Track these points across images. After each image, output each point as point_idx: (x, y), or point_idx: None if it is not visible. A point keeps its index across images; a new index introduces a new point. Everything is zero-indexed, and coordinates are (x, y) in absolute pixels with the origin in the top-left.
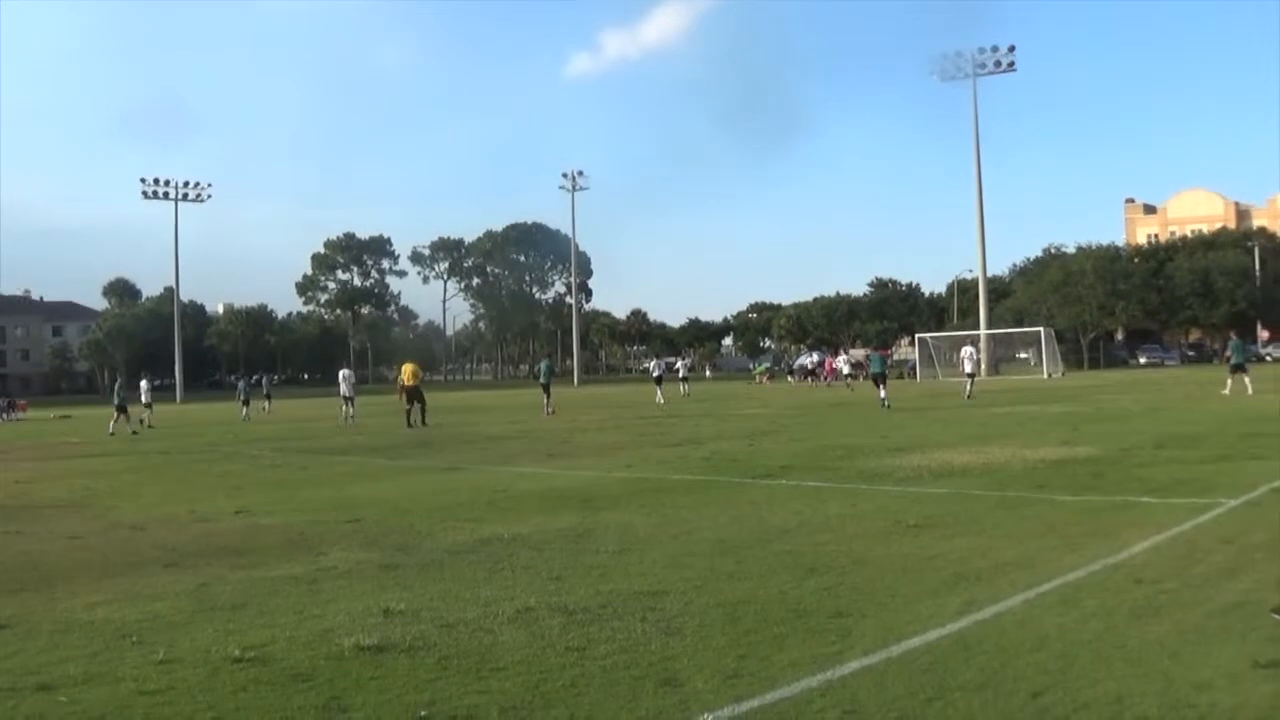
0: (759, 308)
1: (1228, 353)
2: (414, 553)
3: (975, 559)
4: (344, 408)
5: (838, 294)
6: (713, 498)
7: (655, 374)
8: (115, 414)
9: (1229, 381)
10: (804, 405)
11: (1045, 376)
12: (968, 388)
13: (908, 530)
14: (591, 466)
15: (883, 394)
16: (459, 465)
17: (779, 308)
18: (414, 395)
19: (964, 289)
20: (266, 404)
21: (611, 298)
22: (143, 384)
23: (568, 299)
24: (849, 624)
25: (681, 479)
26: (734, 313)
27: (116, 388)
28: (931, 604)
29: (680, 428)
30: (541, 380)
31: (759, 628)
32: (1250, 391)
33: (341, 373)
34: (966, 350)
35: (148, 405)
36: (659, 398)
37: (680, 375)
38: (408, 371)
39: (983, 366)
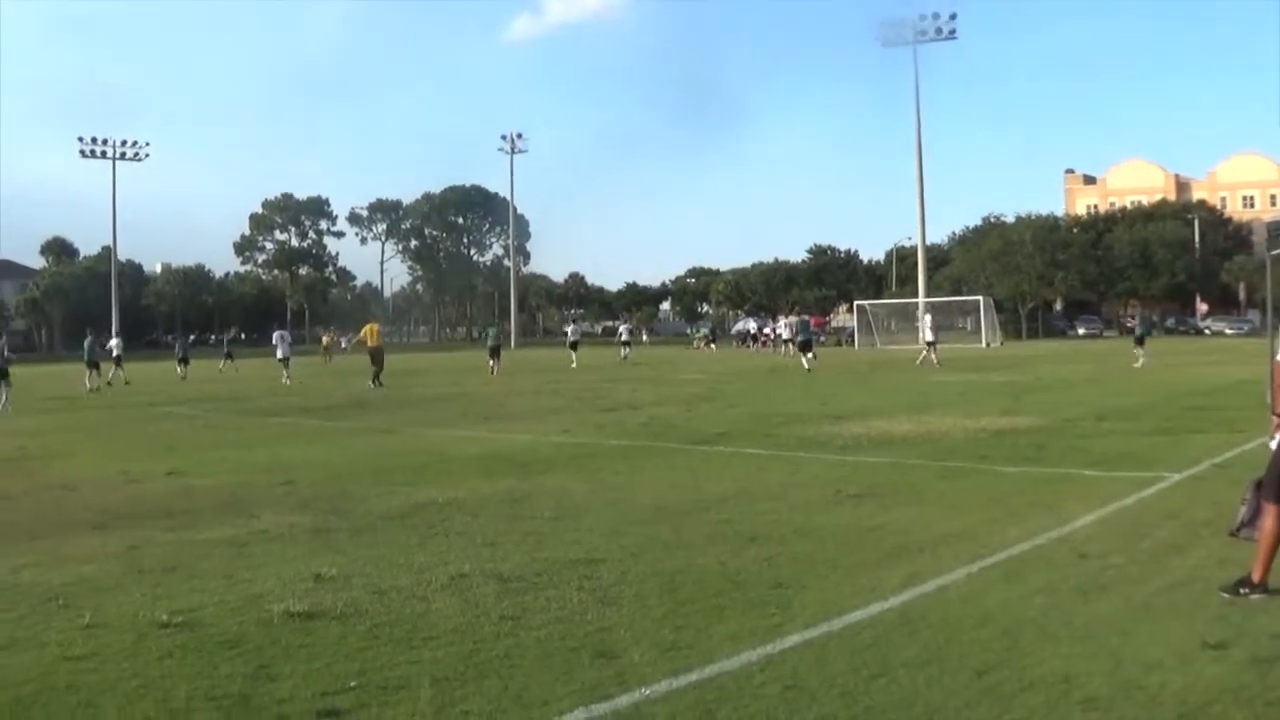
0: (697, 273)
1: (1134, 325)
2: (347, 517)
3: (917, 530)
4: (284, 369)
5: (776, 260)
6: (650, 464)
7: (572, 339)
8: (88, 370)
9: (1138, 354)
10: (742, 371)
11: (984, 345)
12: (931, 356)
13: (849, 500)
14: (528, 430)
15: (806, 362)
16: (395, 428)
17: (717, 273)
18: (375, 355)
19: (903, 256)
20: (225, 363)
21: (550, 261)
22: (113, 342)
23: (505, 262)
24: (789, 595)
25: (619, 444)
26: (672, 277)
27: (88, 345)
28: (873, 576)
29: (617, 392)
30: (490, 344)
31: (697, 598)
32: (1138, 364)
33: (277, 333)
34: (928, 318)
35: (117, 360)
36: (574, 363)
37: (621, 339)
38: (370, 331)
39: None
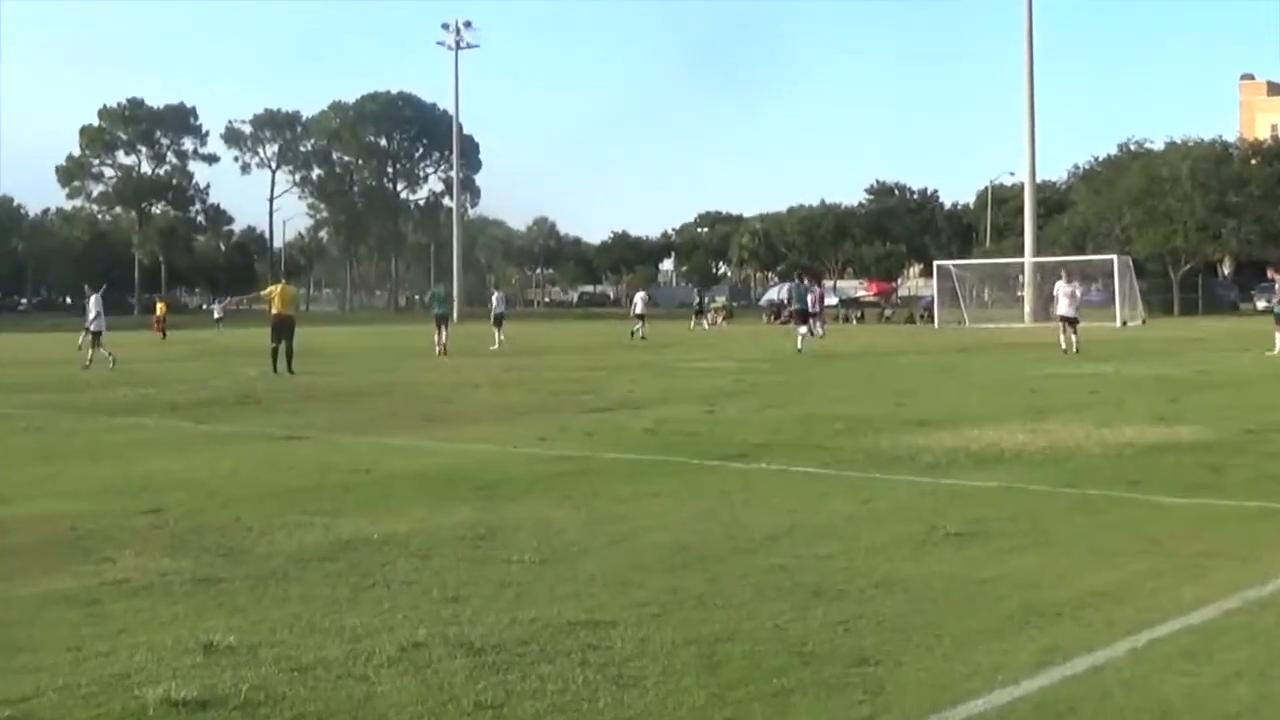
0: (712, 220)
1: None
2: (244, 560)
3: (1050, 585)
4: (86, 342)
5: (823, 204)
6: (665, 486)
7: (497, 309)
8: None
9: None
10: (779, 356)
11: (1119, 324)
12: (1071, 339)
13: (947, 540)
14: (489, 438)
15: (800, 340)
16: (301, 433)
17: (739, 220)
18: (285, 329)
19: (1001, 199)
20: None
21: (508, 202)
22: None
23: (446, 200)
24: (880, 676)
25: (618, 459)
26: (676, 226)
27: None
28: (995, 649)
29: (610, 385)
30: (435, 311)
31: (749, 678)
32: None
33: (91, 296)
34: (1063, 286)
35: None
36: (495, 343)
37: (636, 311)
38: (281, 296)
39: (1071, 308)
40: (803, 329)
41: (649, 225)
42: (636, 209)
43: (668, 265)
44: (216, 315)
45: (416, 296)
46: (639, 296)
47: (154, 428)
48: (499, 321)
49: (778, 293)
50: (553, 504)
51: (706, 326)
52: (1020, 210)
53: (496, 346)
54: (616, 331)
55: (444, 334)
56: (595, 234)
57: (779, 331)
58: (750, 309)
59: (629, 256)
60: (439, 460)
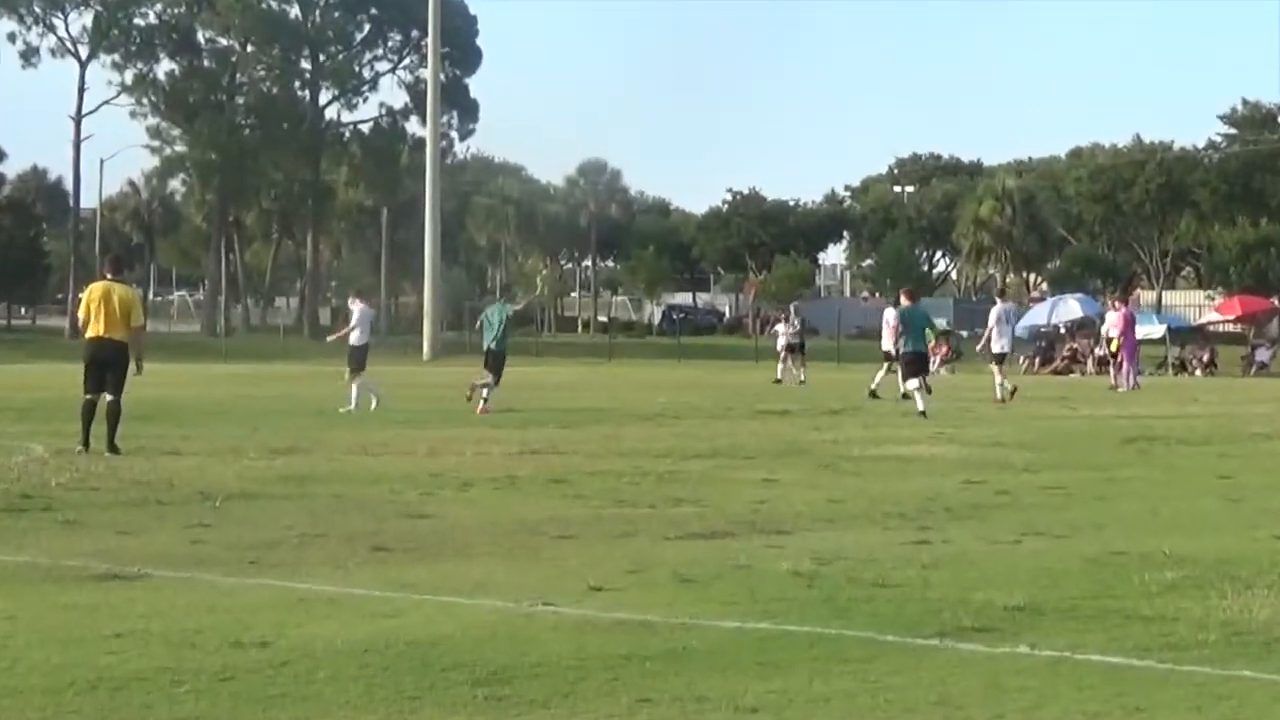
0: (920, 170)
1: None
2: None
3: None
4: None
5: (1138, 142)
6: (837, 686)
7: (493, 343)
8: None
9: None
10: (1055, 437)
11: None
12: None
13: None
14: (496, 585)
15: (916, 399)
16: (135, 568)
17: (976, 172)
18: (107, 367)
19: None
20: None
21: (533, 141)
22: None
23: (415, 125)
24: None
25: (742, 631)
26: (851, 182)
27: None
28: None
29: (728, 486)
30: (489, 344)
31: None
32: None
33: None
34: None
35: None
36: (478, 389)
37: (786, 343)
38: (99, 305)
39: None
40: (912, 389)
41: (795, 180)
42: (772, 153)
43: (835, 255)
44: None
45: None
46: (791, 310)
47: None
48: (495, 363)
49: (1050, 312)
50: (617, 718)
51: (912, 387)
52: None
53: (484, 403)
54: (738, 382)
55: (490, 387)
56: (693, 197)
57: (1052, 385)
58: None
59: (761, 237)
60: (402, 626)
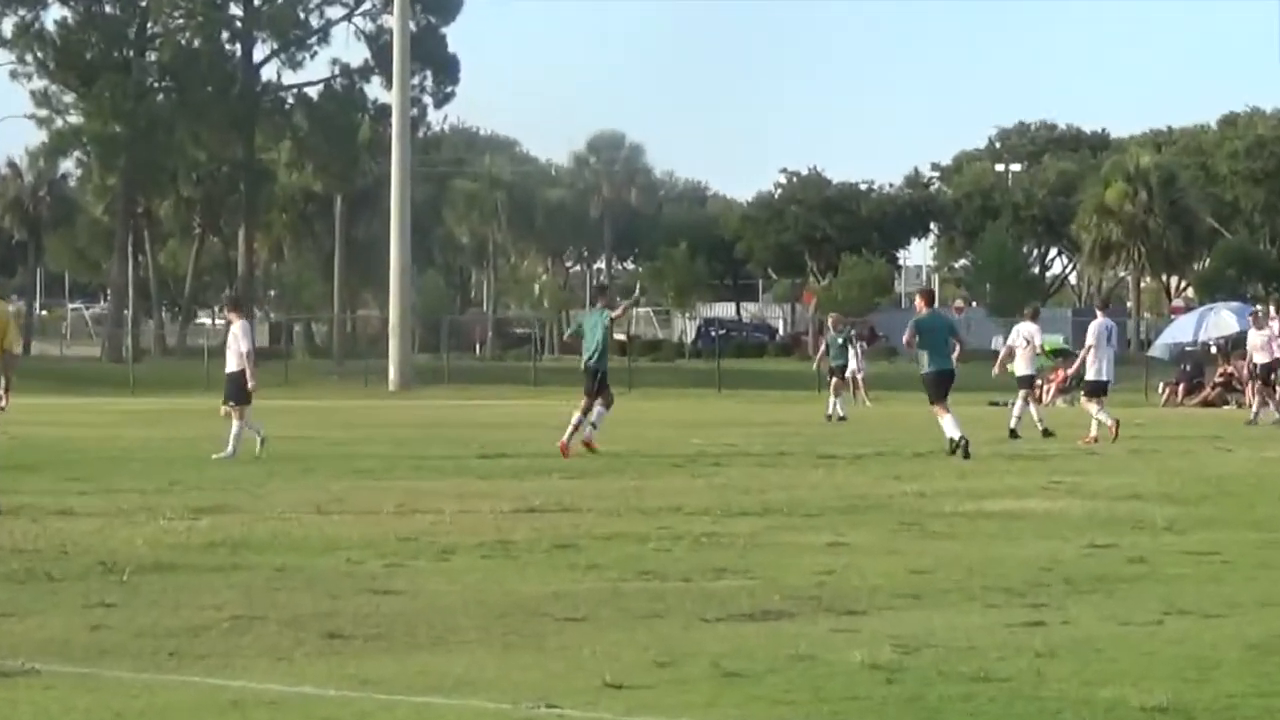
0: (1028, 142)
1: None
2: None
3: None
4: None
5: None
6: None
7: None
8: None
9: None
10: (1208, 487)
11: None
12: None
13: None
14: (480, 679)
15: (944, 425)
16: (12, 662)
17: (1104, 147)
18: None
19: None
20: None
21: (519, 100)
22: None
23: (374, 90)
24: None
25: None
26: (930, 163)
27: None
28: None
29: (782, 552)
30: (592, 364)
31: None
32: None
33: None
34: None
35: None
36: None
37: (846, 365)
38: None
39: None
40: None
41: (868, 159)
42: (838, 125)
43: (919, 253)
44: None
45: (302, 328)
46: (853, 350)
47: None
48: (597, 384)
49: (1199, 326)
50: None
51: (1023, 418)
52: None
53: (591, 429)
54: (795, 419)
55: (594, 409)
56: (737, 181)
57: (1202, 420)
58: (1126, 366)
59: (825, 230)
60: None
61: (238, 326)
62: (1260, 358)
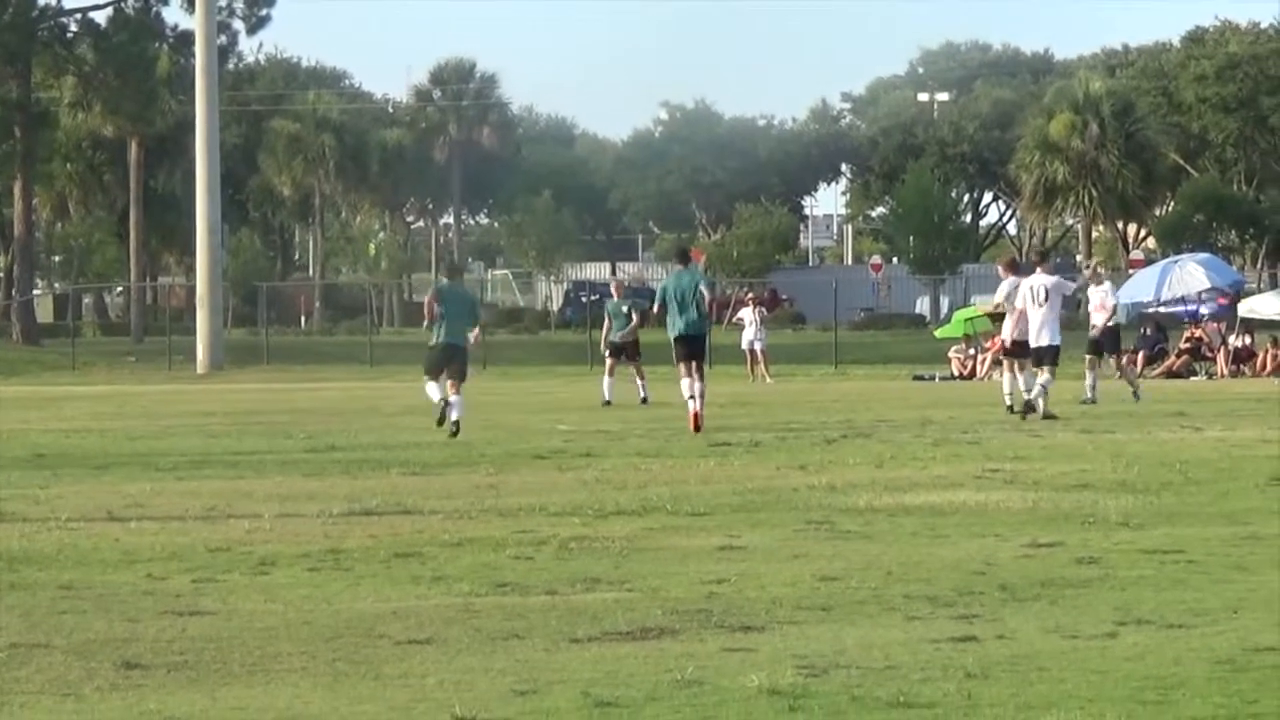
0: (956, 66)
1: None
2: None
3: None
4: None
5: None
6: None
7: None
8: None
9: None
10: (1165, 464)
11: None
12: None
13: None
14: (304, 715)
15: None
16: None
17: (1041, 69)
18: None
19: None
20: None
21: (348, 26)
22: None
23: (174, 14)
24: None
25: None
26: (841, 92)
27: None
28: None
29: (660, 556)
30: (693, 332)
31: None
32: None
33: None
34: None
35: None
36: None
37: (752, 335)
38: None
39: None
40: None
41: (766, 89)
42: (730, 50)
43: (829, 200)
44: None
45: (92, 299)
46: (750, 313)
47: None
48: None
49: (1161, 283)
50: None
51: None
52: None
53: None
54: (681, 399)
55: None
56: (610, 117)
57: (1166, 394)
58: (1073, 331)
59: (717, 175)
60: None
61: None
62: (1097, 319)
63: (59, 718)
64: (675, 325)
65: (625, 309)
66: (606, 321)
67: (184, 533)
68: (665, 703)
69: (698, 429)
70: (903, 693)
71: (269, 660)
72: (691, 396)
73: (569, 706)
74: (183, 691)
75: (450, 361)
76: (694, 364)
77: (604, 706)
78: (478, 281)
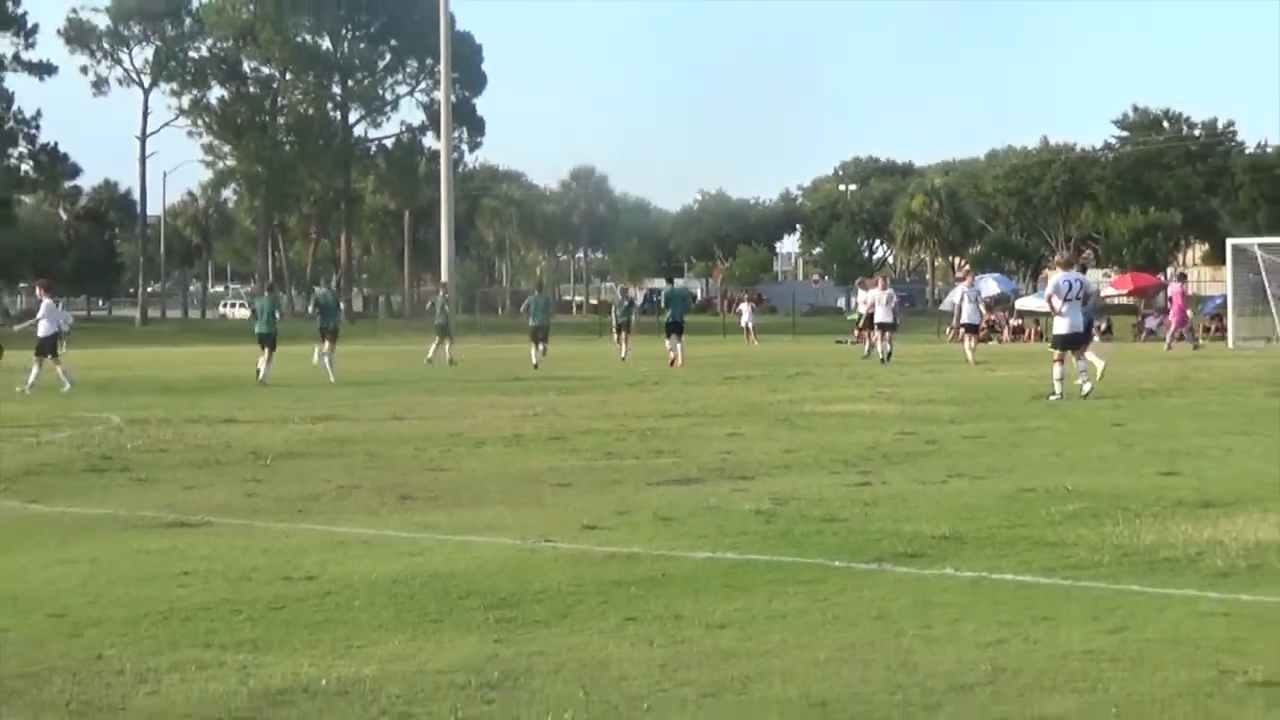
0: (862, 171)
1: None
2: None
3: None
4: None
5: (1046, 145)
6: (789, 605)
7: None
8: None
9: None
10: (976, 394)
11: None
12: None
13: (1249, 693)
14: (504, 526)
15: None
16: (198, 516)
17: (908, 173)
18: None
19: None
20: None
21: (529, 151)
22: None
23: (431, 140)
24: None
25: (713, 560)
26: (801, 185)
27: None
28: None
29: (700, 440)
30: (438, 319)
31: None
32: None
33: None
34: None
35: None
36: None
37: (747, 318)
38: None
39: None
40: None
41: (755, 182)
42: (736, 159)
43: (789, 244)
44: (53, 328)
45: (384, 299)
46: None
47: None
48: (444, 333)
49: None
50: (608, 633)
51: (857, 340)
52: None
53: (442, 361)
54: (708, 354)
55: (441, 349)
56: (670, 197)
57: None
58: (925, 317)
59: (727, 230)
60: (425, 561)
61: (44, 306)
62: (881, 315)
63: (367, 526)
64: (668, 315)
65: (625, 303)
66: (612, 310)
67: (435, 426)
68: (699, 519)
69: (672, 365)
70: (829, 513)
71: (482, 495)
72: (672, 350)
73: (646, 520)
74: (434, 511)
75: (672, 332)
76: (675, 336)
77: (665, 520)
78: (596, 289)
